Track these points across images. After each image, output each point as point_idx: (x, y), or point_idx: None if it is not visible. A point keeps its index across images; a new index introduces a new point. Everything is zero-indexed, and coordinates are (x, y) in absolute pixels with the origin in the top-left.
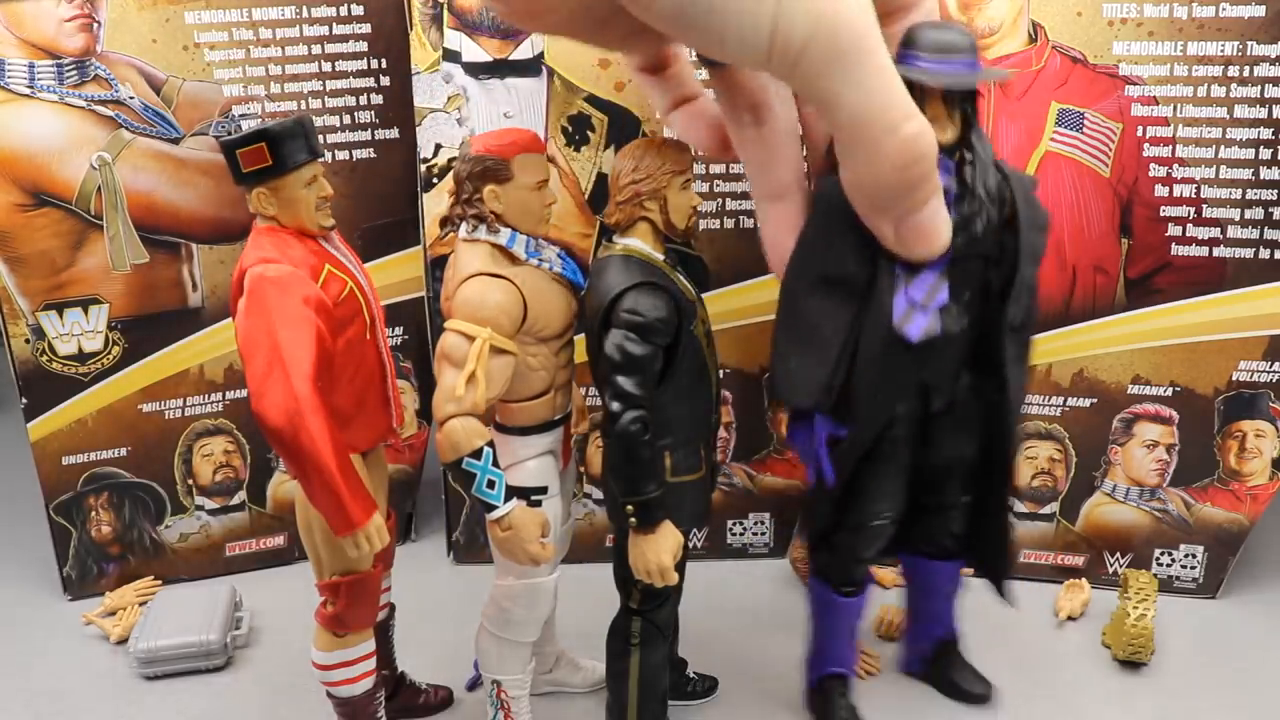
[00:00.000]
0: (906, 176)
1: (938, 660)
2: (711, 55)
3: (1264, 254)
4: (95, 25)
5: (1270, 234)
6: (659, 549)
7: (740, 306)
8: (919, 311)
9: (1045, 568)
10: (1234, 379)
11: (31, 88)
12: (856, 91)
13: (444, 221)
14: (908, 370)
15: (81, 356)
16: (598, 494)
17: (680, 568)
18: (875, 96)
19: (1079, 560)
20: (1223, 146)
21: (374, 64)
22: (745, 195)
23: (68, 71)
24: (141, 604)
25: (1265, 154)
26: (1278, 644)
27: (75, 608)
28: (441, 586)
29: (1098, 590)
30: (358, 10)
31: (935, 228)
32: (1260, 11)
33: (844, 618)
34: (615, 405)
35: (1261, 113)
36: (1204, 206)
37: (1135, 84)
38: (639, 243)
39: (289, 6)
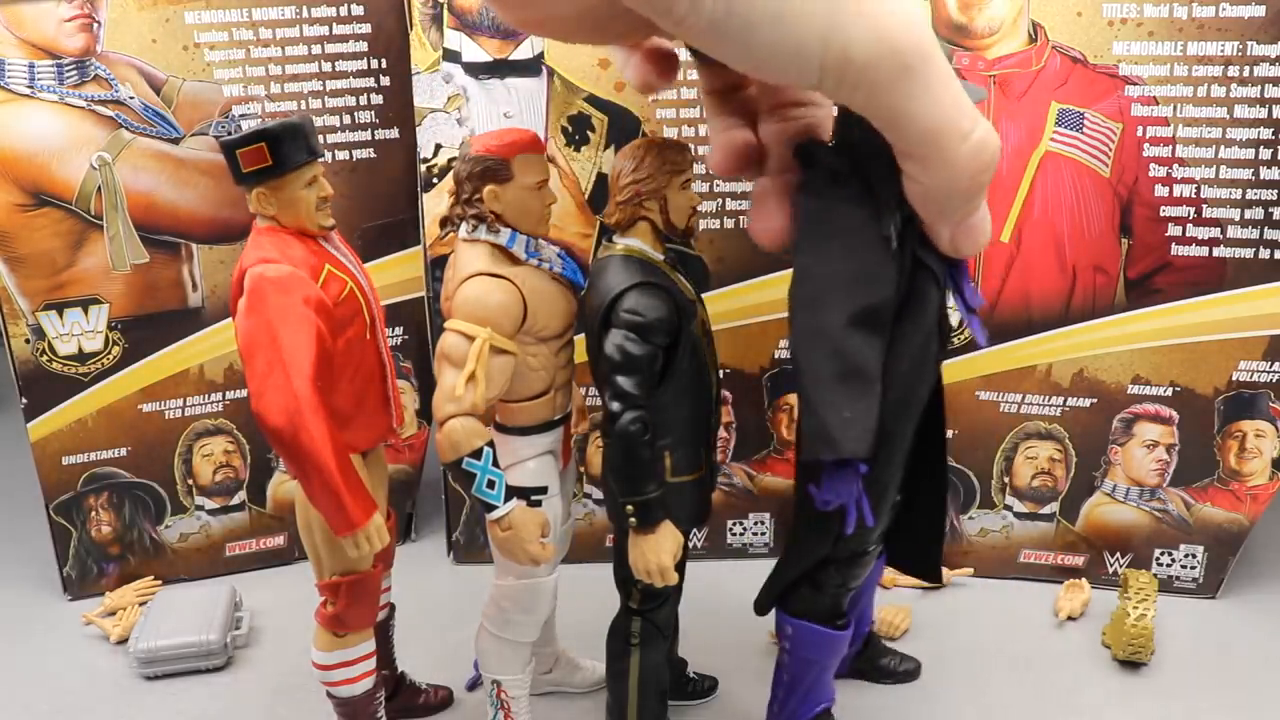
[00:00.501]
0: (980, 181)
1: (863, 654)
2: (749, 74)
3: (1264, 254)
4: (95, 25)
5: (1270, 234)
6: (659, 549)
7: (740, 306)
8: (976, 317)
9: (1045, 568)
10: (1234, 379)
11: (31, 88)
12: (926, 102)
13: (444, 221)
14: (928, 384)
15: (81, 356)
16: (598, 494)
17: (680, 568)
18: (944, 105)
19: (1079, 560)
20: (1223, 146)
21: (374, 64)
22: (745, 195)
23: (68, 71)
24: (141, 604)
25: (1265, 154)
26: (1278, 644)
27: (75, 608)
28: (441, 586)
29: (1098, 590)
30: (358, 10)
31: (988, 224)
32: (1260, 11)
33: (838, 650)
34: (615, 405)
35: (1261, 113)
36: (1204, 206)
37: (1135, 84)
38: (639, 243)
39: (289, 6)
